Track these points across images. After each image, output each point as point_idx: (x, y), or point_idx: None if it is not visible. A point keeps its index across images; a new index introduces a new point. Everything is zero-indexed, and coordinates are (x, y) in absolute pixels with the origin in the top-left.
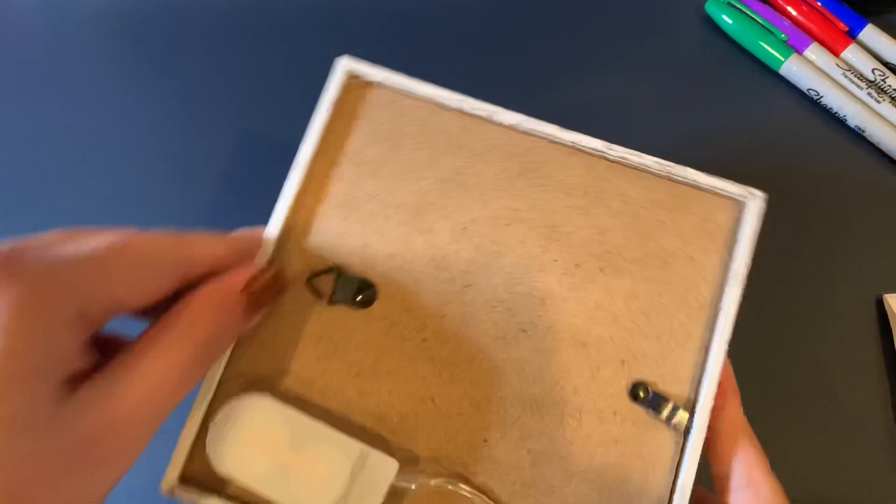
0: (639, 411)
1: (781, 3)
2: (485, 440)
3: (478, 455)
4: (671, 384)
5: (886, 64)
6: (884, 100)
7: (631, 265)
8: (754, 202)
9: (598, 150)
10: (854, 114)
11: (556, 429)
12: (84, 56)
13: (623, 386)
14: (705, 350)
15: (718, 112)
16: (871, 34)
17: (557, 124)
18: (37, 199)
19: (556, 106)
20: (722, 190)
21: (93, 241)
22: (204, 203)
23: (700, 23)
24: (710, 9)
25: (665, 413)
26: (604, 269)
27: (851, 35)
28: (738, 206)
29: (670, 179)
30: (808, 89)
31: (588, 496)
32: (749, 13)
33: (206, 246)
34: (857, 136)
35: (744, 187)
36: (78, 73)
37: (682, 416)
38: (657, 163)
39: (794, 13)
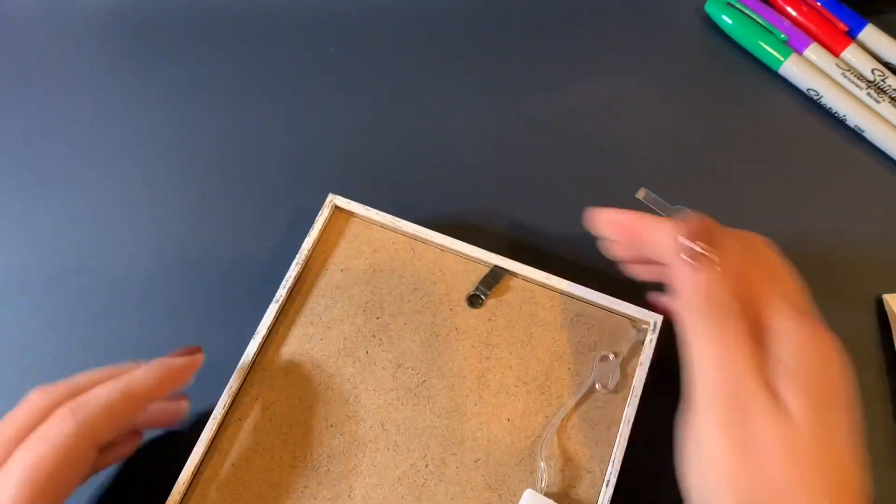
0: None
1: (781, 3)
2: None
3: None
4: (469, 279)
5: (886, 64)
6: (883, 100)
7: None
8: None
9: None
10: (854, 114)
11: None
12: (84, 55)
13: (467, 318)
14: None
15: (718, 112)
16: (870, 34)
17: (558, 125)
18: (37, 199)
19: (557, 106)
20: None
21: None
22: (205, 201)
23: (700, 23)
24: (710, 9)
25: (498, 281)
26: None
27: (851, 35)
28: None
29: None
30: (807, 89)
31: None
32: (749, 13)
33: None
34: (857, 136)
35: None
36: (78, 72)
37: (499, 272)
38: None
39: (793, 13)
